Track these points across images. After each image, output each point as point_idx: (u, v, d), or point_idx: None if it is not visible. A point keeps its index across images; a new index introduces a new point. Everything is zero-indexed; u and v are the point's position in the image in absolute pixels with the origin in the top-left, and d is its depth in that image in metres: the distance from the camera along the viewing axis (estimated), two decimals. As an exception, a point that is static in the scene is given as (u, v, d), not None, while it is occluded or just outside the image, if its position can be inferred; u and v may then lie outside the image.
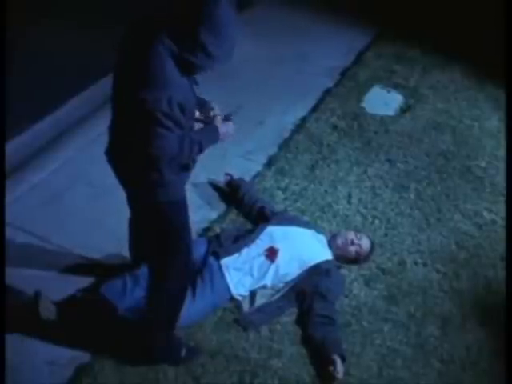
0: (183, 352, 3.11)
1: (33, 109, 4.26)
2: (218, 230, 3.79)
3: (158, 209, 2.78)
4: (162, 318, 3.02)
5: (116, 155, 2.76)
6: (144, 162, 2.62)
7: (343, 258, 3.71)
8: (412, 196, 4.26)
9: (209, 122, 2.83)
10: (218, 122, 2.82)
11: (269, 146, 4.52)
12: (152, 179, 2.67)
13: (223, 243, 3.56)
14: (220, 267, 3.43)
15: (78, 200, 3.87)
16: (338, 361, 3.15)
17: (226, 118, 2.86)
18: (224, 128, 2.83)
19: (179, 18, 2.46)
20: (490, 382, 3.27)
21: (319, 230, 3.80)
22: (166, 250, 2.87)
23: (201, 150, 2.68)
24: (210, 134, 2.79)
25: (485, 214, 4.19)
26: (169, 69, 2.47)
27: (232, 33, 2.49)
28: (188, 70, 2.53)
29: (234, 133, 2.89)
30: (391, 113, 5.04)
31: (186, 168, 2.74)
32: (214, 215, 3.94)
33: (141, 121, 2.51)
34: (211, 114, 2.86)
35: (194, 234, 3.57)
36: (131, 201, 2.91)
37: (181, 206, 2.83)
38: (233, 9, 2.48)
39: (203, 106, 2.85)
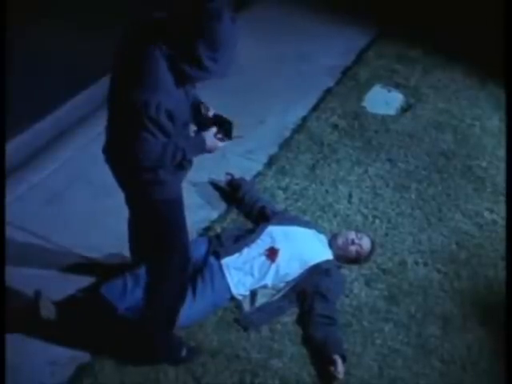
0: (184, 352, 3.12)
1: (33, 109, 4.25)
2: (218, 230, 3.78)
3: (154, 207, 2.78)
4: (160, 318, 3.02)
5: (111, 155, 2.76)
6: (130, 163, 2.62)
7: (344, 258, 3.70)
8: (413, 196, 4.26)
9: (207, 126, 2.82)
10: (210, 135, 2.78)
11: (269, 145, 4.52)
12: (147, 178, 2.67)
13: (224, 243, 3.56)
14: (221, 267, 3.42)
15: (78, 199, 3.87)
16: (339, 361, 3.15)
17: (220, 137, 2.83)
18: (211, 142, 2.78)
19: (179, 28, 2.44)
20: (490, 381, 3.27)
21: (320, 230, 3.80)
22: (163, 249, 2.87)
23: (184, 158, 2.66)
24: (196, 143, 2.76)
25: (485, 213, 4.19)
26: (162, 74, 2.46)
27: (231, 50, 2.47)
28: (182, 79, 2.52)
29: (219, 148, 2.85)
30: (392, 112, 5.03)
31: (181, 167, 2.73)
32: (214, 215, 3.93)
33: (129, 122, 2.51)
34: (210, 113, 2.85)
35: (194, 234, 3.59)
36: (128, 200, 2.91)
37: (177, 205, 2.83)
38: (234, 25, 2.45)
39: (200, 105, 2.84)
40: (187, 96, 2.61)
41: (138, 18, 2.58)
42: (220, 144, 2.81)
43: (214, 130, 2.78)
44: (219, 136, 2.80)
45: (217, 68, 2.48)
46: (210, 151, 2.80)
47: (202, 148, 2.76)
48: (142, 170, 2.65)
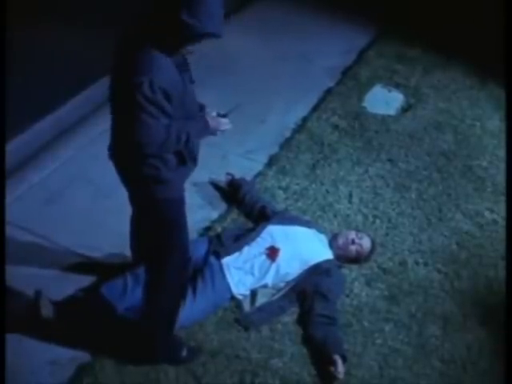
0: (184, 352, 3.11)
1: (33, 109, 4.25)
2: (219, 230, 3.78)
3: (156, 205, 2.78)
4: (160, 318, 3.02)
5: (115, 150, 2.76)
6: (133, 153, 2.61)
7: (344, 258, 3.70)
8: (413, 196, 4.26)
9: None
10: (209, 116, 2.80)
11: (270, 145, 4.52)
12: (150, 175, 2.67)
13: (224, 243, 3.55)
14: (221, 267, 3.42)
15: (78, 199, 3.88)
16: (339, 361, 3.14)
17: (222, 116, 2.84)
18: (214, 122, 2.80)
19: (162, 7, 2.47)
20: (490, 381, 3.27)
21: (320, 230, 3.80)
22: (163, 248, 2.87)
23: (188, 140, 2.66)
24: (199, 125, 2.76)
25: (486, 213, 4.19)
26: (153, 55, 2.48)
27: (211, 4, 2.46)
28: (175, 46, 2.52)
29: (228, 127, 2.85)
30: (392, 112, 5.03)
31: (183, 163, 2.73)
32: (215, 215, 3.94)
33: (126, 108, 2.51)
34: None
35: (195, 234, 3.59)
36: (131, 197, 2.91)
37: (179, 204, 2.83)
38: None
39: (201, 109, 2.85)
40: (183, 80, 2.60)
41: (133, 24, 2.60)
42: (224, 125, 2.82)
43: (214, 111, 2.80)
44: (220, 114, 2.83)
45: (200, 23, 2.45)
46: (213, 132, 2.80)
47: (206, 129, 2.77)
48: (146, 165, 2.64)
